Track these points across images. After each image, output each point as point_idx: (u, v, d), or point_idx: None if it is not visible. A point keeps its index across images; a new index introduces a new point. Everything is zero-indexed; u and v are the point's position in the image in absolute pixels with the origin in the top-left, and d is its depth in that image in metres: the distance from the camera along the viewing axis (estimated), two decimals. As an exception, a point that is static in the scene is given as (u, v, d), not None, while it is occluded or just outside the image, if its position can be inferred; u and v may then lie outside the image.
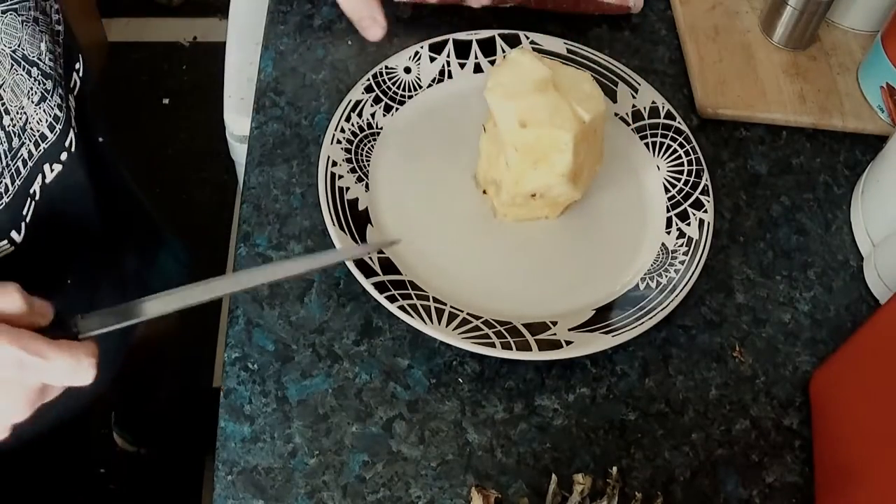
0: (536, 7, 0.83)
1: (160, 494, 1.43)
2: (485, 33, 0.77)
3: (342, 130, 0.70)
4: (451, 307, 0.63)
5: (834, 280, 0.70)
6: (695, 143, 0.72)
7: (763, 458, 0.61)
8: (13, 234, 0.58)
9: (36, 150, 0.58)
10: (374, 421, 0.60)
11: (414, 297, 0.63)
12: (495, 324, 0.62)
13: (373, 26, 0.64)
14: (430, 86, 0.75)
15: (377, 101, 0.73)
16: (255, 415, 0.60)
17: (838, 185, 0.76)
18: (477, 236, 0.69)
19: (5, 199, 0.56)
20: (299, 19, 0.81)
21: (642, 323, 0.62)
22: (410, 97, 0.75)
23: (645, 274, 0.67)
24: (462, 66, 0.76)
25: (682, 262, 0.66)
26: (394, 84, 0.74)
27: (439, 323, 0.61)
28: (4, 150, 0.54)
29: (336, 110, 0.71)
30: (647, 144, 0.74)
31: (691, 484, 0.60)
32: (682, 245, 0.67)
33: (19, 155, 0.56)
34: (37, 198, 0.59)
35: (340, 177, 0.68)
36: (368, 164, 0.71)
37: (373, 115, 0.72)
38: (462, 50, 0.77)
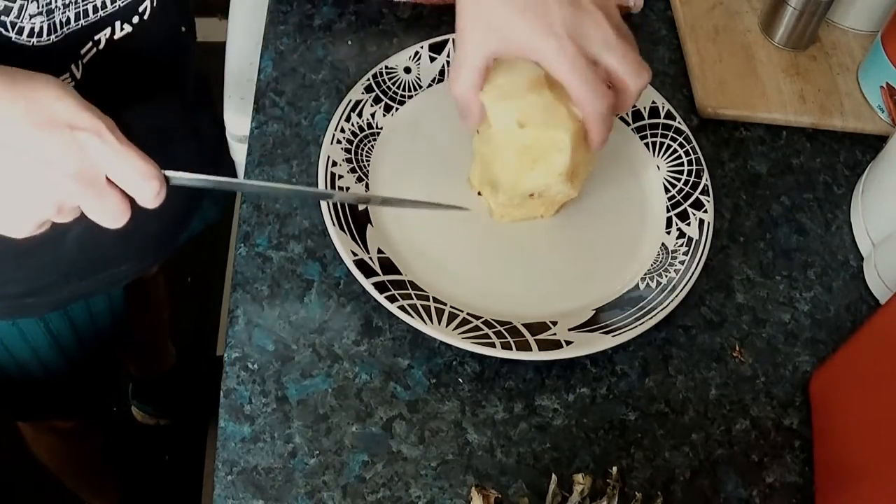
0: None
1: (165, 476, 1.45)
2: None
3: (342, 130, 0.70)
4: (451, 307, 0.63)
5: (834, 280, 0.70)
6: (695, 143, 0.72)
7: (763, 458, 0.61)
8: (73, 68, 0.61)
9: (111, 4, 0.60)
10: (374, 421, 0.60)
11: (414, 297, 0.63)
12: (495, 324, 0.62)
13: (469, 120, 0.64)
14: (429, 86, 0.75)
15: (377, 101, 0.73)
16: (255, 415, 0.60)
17: (838, 185, 0.76)
18: (478, 236, 0.69)
19: (64, 31, 0.58)
20: (299, 19, 0.81)
21: (642, 323, 0.62)
22: (410, 97, 0.75)
23: (645, 274, 0.67)
24: None
25: (681, 262, 0.66)
26: (394, 84, 0.74)
27: (439, 323, 0.61)
28: None
29: (336, 110, 0.71)
30: (647, 144, 0.74)
31: (691, 484, 0.60)
32: (682, 245, 0.67)
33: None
34: (100, 46, 0.62)
35: (340, 177, 0.68)
36: (368, 164, 0.71)
37: (373, 115, 0.72)
38: None
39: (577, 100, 0.57)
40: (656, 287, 0.65)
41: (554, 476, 0.56)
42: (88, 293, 0.83)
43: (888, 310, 0.56)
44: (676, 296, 0.64)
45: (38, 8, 0.54)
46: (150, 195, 0.48)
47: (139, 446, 1.48)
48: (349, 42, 0.80)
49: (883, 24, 0.79)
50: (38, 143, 0.44)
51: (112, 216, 0.48)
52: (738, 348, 0.66)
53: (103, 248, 0.76)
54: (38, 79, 0.46)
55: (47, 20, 0.56)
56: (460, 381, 0.62)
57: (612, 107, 0.58)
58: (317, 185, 0.68)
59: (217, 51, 1.12)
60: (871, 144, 0.78)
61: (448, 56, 0.76)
